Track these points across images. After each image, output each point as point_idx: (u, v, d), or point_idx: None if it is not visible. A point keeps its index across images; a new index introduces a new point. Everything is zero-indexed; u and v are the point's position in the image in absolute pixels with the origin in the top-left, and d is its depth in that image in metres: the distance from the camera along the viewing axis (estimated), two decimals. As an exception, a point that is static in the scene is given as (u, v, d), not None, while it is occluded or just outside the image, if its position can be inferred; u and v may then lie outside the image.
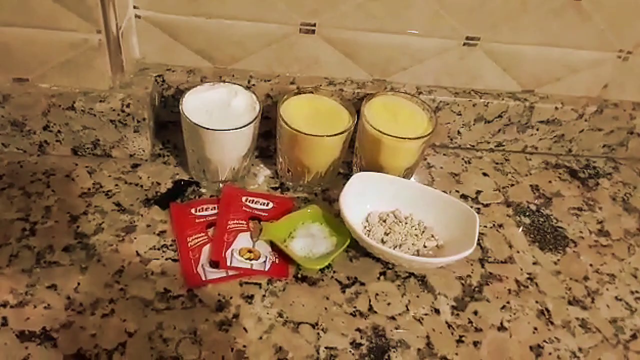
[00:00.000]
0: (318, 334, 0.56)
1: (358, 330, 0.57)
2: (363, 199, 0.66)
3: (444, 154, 0.81)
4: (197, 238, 0.62)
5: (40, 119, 0.66)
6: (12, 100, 0.64)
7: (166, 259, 0.60)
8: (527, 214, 0.74)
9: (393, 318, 0.59)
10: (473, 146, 0.83)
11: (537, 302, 0.63)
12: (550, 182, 0.80)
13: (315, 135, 0.64)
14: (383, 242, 0.64)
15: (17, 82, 0.64)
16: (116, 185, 0.68)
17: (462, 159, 0.81)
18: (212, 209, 0.66)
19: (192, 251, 0.61)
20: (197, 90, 0.66)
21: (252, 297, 0.58)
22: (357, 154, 0.72)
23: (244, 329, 0.56)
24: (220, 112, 0.65)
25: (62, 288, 0.56)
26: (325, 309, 0.59)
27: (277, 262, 0.62)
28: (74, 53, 0.62)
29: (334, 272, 0.62)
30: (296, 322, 0.57)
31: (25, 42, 0.61)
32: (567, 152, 0.85)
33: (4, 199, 0.64)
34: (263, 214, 0.67)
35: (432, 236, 0.66)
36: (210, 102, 0.65)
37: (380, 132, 0.65)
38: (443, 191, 0.69)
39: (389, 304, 0.60)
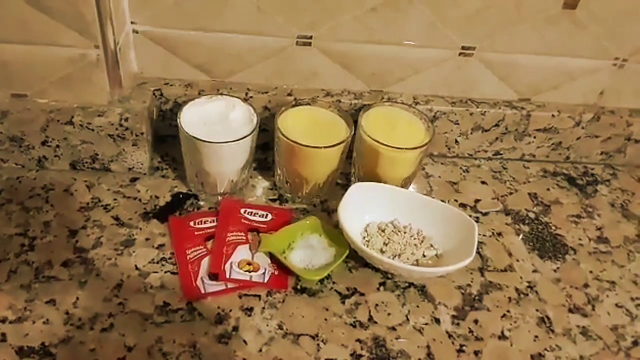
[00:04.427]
0: (318, 345, 0.56)
1: (358, 341, 0.57)
2: (361, 210, 0.67)
3: (442, 163, 0.82)
4: (196, 251, 0.62)
5: (38, 134, 0.66)
6: (10, 116, 0.64)
7: (165, 272, 0.60)
8: (526, 222, 0.74)
9: (393, 328, 0.59)
10: (471, 155, 0.83)
11: (537, 310, 0.63)
12: (548, 189, 0.80)
13: (313, 147, 0.64)
14: (382, 252, 0.64)
15: (15, 98, 0.65)
16: (115, 199, 0.68)
17: (460, 167, 0.81)
18: (210, 222, 0.66)
19: (191, 264, 0.61)
20: (195, 104, 0.67)
21: (251, 309, 0.58)
22: (355, 164, 0.72)
23: (244, 341, 0.55)
24: (218, 124, 0.65)
25: (61, 303, 0.56)
26: (325, 320, 0.59)
27: (276, 273, 0.62)
28: (72, 68, 0.63)
29: (334, 283, 0.62)
30: (296, 334, 0.57)
31: (23, 59, 0.61)
32: (564, 159, 0.85)
33: (2, 215, 0.64)
34: (262, 225, 0.67)
35: (431, 245, 0.66)
36: (208, 115, 0.66)
37: (378, 142, 0.65)
38: (441, 200, 0.70)
39: (389, 314, 0.60)
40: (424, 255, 0.65)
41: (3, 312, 0.55)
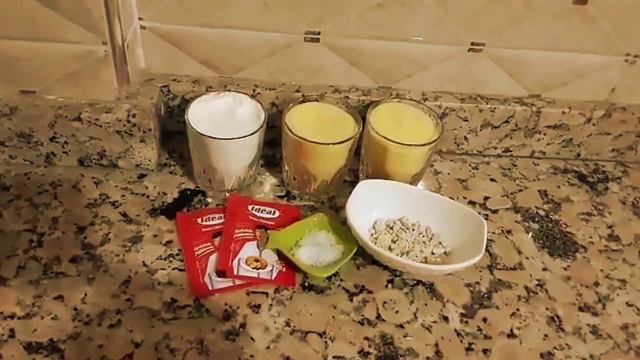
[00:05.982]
0: (326, 342, 0.56)
1: (366, 338, 0.57)
2: (370, 207, 0.66)
3: (451, 160, 0.81)
4: (203, 247, 0.62)
5: (47, 130, 0.66)
6: (19, 112, 0.65)
7: (173, 269, 0.60)
8: (535, 219, 0.74)
9: (401, 326, 0.58)
10: (480, 152, 0.82)
11: (547, 308, 0.63)
12: (558, 187, 0.80)
13: (321, 143, 0.64)
14: (390, 249, 0.64)
15: (24, 95, 0.65)
16: (122, 195, 0.68)
17: (469, 164, 0.81)
18: (218, 218, 0.66)
19: (199, 261, 0.61)
20: (202, 100, 0.67)
21: (259, 306, 0.58)
22: (363, 161, 0.72)
23: (251, 338, 0.55)
24: (225, 121, 0.65)
25: (69, 299, 0.56)
26: (333, 317, 0.58)
27: (284, 270, 0.62)
28: (80, 65, 0.63)
29: (341, 280, 0.62)
30: (304, 331, 0.57)
31: (31, 55, 0.62)
32: (575, 156, 0.84)
33: (11, 211, 0.64)
34: (269, 222, 0.67)
35: (440, 243, 0.65)
36: (216, 112, 0.66)
37: (386, 139, 0.65)
38: (450, 197, 0.69)
39: (397, 312, 0.60)
40: (433, 253, 0.64)
41: (12, 307, 0.55)
